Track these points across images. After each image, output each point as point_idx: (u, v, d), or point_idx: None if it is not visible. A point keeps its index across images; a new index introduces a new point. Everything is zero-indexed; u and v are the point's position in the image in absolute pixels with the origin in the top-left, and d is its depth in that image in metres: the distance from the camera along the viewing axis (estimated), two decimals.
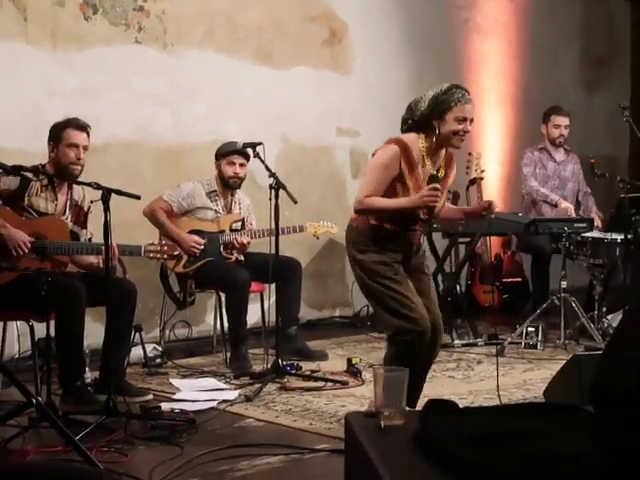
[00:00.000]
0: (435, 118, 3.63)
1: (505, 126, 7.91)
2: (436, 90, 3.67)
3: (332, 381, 4.71)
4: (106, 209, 3.83)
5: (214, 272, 5.24)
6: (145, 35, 5.84)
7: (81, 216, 4.51)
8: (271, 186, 4.75)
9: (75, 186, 4.44)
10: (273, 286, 5.40)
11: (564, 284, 5.49)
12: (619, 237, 5.41)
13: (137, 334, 4.92)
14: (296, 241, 6.00)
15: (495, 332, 5.93)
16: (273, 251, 4.79)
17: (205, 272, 5.27)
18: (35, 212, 4.31)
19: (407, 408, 2.35)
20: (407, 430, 2.07)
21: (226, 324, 5.33)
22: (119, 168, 5.61)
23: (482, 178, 6.58)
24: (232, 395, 4.43)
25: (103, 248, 3.94)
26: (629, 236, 5.31)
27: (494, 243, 7.03)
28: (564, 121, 6.40)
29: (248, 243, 5.34)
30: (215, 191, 5.39)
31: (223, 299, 5.30)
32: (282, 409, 4.23)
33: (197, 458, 3.43)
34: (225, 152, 5.34)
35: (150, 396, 4.40)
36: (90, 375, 4.43)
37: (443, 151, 3.77)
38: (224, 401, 4.31)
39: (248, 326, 5.28)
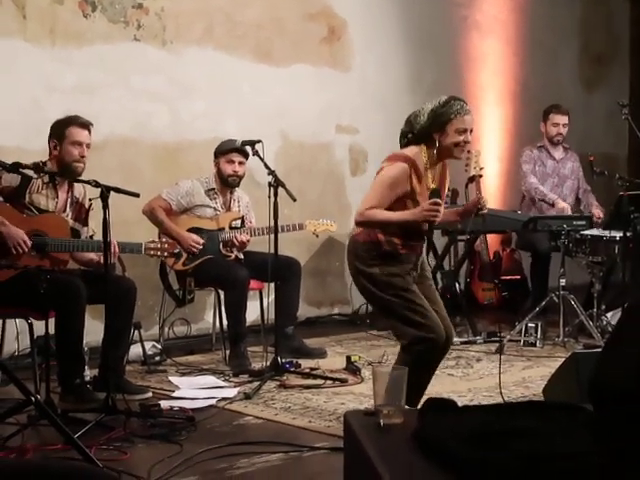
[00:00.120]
0: (435, 131, 3.64)
1: (504, 123, 7.91)
2: (434, 103, 3.66)
3: (331, 379, 4.71)
4: (105, 207, 3.82)
5: (213, 270, 5.24)
6: (144, 32, 5.83)
7: (82, 213, 4.51)
8: (270, 184, 4.75)
9: (76, 183, 4.44)
10: (272, 284, 5.40)
11: (563, 282, 5.49)
12: (618, 235, 5.40)
13: (136, 332, 4.92)
14: (295, 239, 6.00)
15: (495, 330, 5.93)
16: (272, 249, 4.79)
17: (204, 270, 5.27)
18: (36, 209, 4.31)
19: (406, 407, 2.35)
20: (406, 428, 2.07)
21: (225, 322, 5.33)
22: (117, 165, 5.61)
23: (481, 175, 6.53)
24: (231, 393, 4.43)
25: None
26: (628, 234, 5.30)
27: (493, 241, 7.04)
28: (562, 119, 6.40)
29: (248, 241, 5.34)
30: (214, 189, 5.39)
31: (222, 297, 5.30)
32: (281, 407, 4.23)
33: (196, 456, 3.44)
34: (224, 150, 5.34)
35: (149, 394, 4.40)
36: (89, 373, 4.43)
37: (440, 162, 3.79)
38: (223, 399, 4.32)
39: (247, 324, 5.29)
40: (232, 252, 5.39)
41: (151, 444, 3.63)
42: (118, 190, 3.93)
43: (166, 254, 4.54)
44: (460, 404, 2.35)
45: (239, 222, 5.46)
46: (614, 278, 5.87)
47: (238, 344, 5.12)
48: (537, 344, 5.57)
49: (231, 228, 5.40)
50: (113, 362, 4.23)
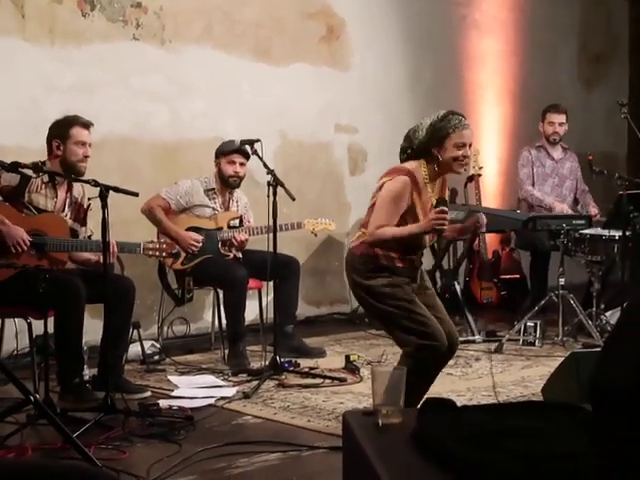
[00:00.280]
0: (434, 146, 3.63)
1: (503, 123, 7.91)
2: (433, 118, 3.66)
3: (330, 378, 4.71)
4: (104, 206, 3.82)
5: (212, 269, 5.24)
6: (143, 32, 5.83)
7: (81, 213, 4.51)
8: (269, 183, 4.75)
9: (75, 183, 4.44)
10: (271, 283, 5.39)
11: (562, 281, 5.49)
12: (617, 234, 5.40)
13: (135, 331, 4.92)
14: (294, 238, 5.99)
15: (494, 329, 5.93)
16: (271, 248, 4.79)
17: (203, 269, 5.27)
18: (35, 209, 4.31)
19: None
20: (405, 428, 2.07)
21: (224, 321, 5.33)
22: (116, 165, 5.60)
23: (480, 175, 6.59)
24: (230, 392, 4.43)
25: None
26: (627, 233, 5.30)
27: (492, 240, 7.04)
28: (558, 118, 6.39)
29: (246, 240, 5.34)
30: (213, 189, 5.39)
31: (221, 296, 5.30)
32: (280, 406, 4.23)
33: (195, 455, 3.44)
34: (226, 151, 5.33)
35: (148, 393, 4.40)
36: (88, 372, 4.43)
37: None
38: (222, 398, 4.32)
39: (246, 323, 5.29)
40: (231, 251, 5.39)
41: (150, 443, 3.63)
42: (117, 189, 3.92)
43: (164, 254, 4.54)
44: (459, 403, 2.35)
45: (237, 221, 5.46)
46: (613, 277, 5.87)
47: (237, 343, 5.12)
48: (536, 343, 5.57)
49: (229, 227, 5.40)
50: (112, 361, 4.23)
